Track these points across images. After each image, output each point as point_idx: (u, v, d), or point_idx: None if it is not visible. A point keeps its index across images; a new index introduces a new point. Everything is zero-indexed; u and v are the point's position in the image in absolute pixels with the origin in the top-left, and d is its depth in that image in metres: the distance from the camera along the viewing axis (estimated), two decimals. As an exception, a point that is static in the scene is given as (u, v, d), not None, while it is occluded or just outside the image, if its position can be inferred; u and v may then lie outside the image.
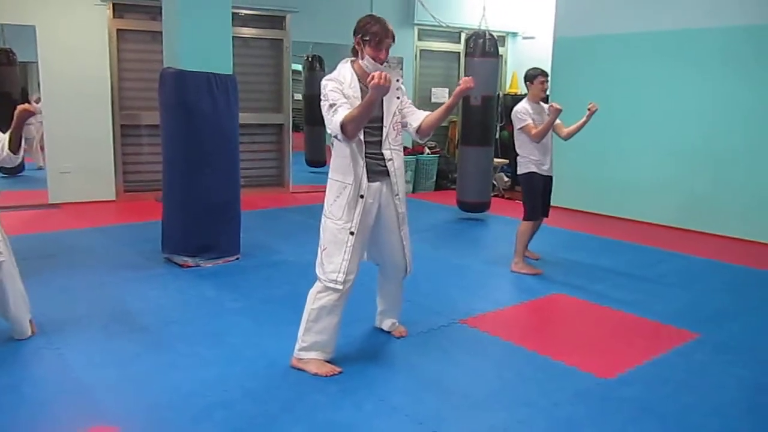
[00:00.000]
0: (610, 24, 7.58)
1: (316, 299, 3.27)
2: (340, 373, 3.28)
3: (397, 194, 3.39)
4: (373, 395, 3.11)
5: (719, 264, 5.73)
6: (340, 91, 3.12)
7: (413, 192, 9.12)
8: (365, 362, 3.47)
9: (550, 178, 5.28)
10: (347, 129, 3.02)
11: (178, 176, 5.13)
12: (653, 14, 7.18)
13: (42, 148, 9.54)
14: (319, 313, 3.26)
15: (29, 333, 3.64)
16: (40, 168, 9.99)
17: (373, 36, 3.17)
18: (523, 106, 5.14)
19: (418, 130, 3.41)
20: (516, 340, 3.85)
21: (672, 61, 7.05)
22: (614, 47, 7.54)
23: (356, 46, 3.25)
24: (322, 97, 3.14)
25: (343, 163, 3.23)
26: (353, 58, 3.28)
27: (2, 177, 9.14)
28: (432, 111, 3.43)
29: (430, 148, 9.46)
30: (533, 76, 5.16)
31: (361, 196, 3.23)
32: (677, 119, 7.05)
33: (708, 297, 4.79)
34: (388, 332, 3.83)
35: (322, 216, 3.30)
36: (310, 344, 3.30)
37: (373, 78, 2.82)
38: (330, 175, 3.30)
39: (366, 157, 3.24)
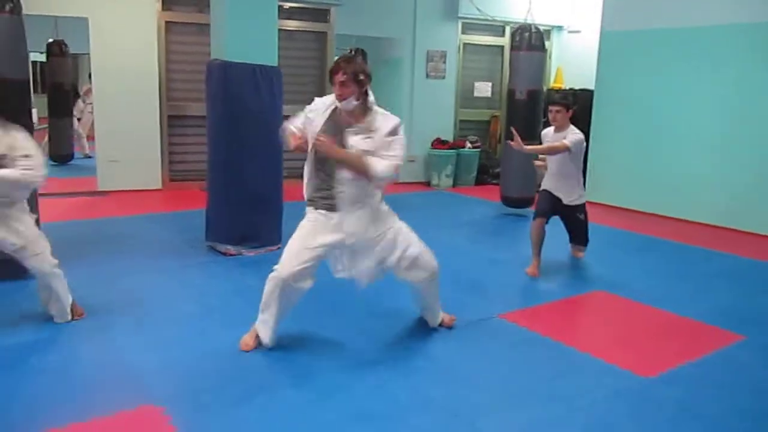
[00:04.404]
0: (658, 18, 7.42)
1: None
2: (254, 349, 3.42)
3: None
4: (408, 387, 3.14)
5: (765, 264, 5.59)
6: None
7: (453, 186, 9.15)
8: (403, 353, 3.50)
9: (572, 207, 5.13)
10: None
11: (222, 166, 5.22)
12: (702, 8, 7.00)
13: (90, 138, 9.83)
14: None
15: (69, 317, 3.73)
16: (87, 156, 10.29)
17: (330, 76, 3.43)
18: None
19: None
20: (555, 336, 3.83)
21: (720, 56, 6.87)
22: (662, 42, 7.38)
23: None
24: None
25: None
26: None
27: (53, 164, 9.41)
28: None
29: (471, 142, 9.41)
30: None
31: None
32: (723, 117, 6.88)
33: (754, 298, 4.68)
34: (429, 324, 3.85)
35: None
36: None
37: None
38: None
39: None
